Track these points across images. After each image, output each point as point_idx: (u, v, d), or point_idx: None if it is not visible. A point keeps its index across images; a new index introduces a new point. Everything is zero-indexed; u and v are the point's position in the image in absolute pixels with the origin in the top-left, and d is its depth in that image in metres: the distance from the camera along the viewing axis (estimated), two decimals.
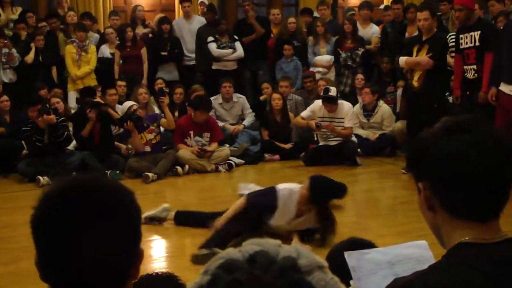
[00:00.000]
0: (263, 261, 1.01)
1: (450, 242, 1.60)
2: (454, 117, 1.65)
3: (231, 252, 1.06)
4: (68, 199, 1.42)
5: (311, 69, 10.88)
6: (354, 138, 9.10)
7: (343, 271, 2.49)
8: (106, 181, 1.50)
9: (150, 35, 11.18)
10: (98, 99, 8.76)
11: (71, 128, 8.71)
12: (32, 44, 10.08)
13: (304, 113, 9.05)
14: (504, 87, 7.05)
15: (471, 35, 7.49)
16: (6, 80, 9.91)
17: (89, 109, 8.53)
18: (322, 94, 8.90)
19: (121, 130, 9.00)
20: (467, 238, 1.56)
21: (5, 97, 9.19)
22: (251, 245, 1.06)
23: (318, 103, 9.00)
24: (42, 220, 1.42)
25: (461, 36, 7.65)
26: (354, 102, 9.73)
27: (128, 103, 8.89)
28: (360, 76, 10.24)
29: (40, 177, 8.05)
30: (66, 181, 1.49)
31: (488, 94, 7.22)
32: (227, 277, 1.00)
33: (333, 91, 8.82)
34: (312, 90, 10.33)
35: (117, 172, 8.34)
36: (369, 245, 2.84)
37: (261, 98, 10.21)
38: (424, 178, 1.62)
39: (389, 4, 11.97)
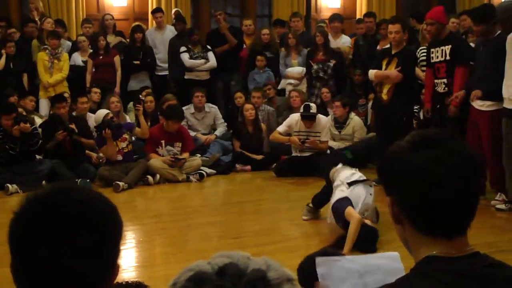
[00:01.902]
0: (232, 274, 1.00)
1: (418, 256, 1.61)
2: (422, 131, 1.65)
3: (200, 264, 1.04)
4: (48, 208, 1.41)
5: (283, 80, 10.93)
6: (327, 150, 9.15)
7: (313, 282, 2.50)
8: (89, 193, 1.48)
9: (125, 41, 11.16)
10: (73, 127, 8.67)
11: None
12: (3, 51, 9.98)
13: (280, 128, 9.06)
14: (473, 102, 7.13)
15: (442, 49, 7.57)
16: None
17: (61, 131, 8.49)
18: (302, 111, 8.87)
19: (91, 140, 8.96)
20: (434, 252, 1.57)
21: None
22: (221, 258, 1.05)
23: (294, 117, 9.02)
24: (19, 226, 1.42)
25: (432, 50, 7.72)
26: (323, 114, 9.76)
27: (103, 111, 8.86)
28: (325, 90, 10.27)
29: (9, 185, 7.98)
30: (48, 189, 1.48)
31: (457, 107, 7.32)
32: None
33: (313, 108, 8.87)
34: (272, 98, 10.41)
35: (87, 181, 8.28)
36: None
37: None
38: (392, 193, 1.63)
39: (362, 17, 12.05)
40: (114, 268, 1.46)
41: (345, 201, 5.76)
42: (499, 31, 6.94)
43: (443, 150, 1.56)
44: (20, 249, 1.41)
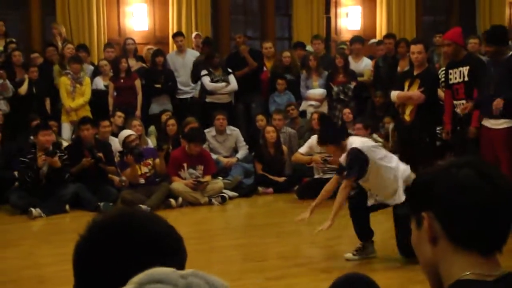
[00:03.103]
0: None
1: (449, 277, 1.58)
2: (458, 157, 1.68)
3: None
4: (115, 236, 1.43)
5: (304, 102, 10.95)
6: None
7: None
8: (157, 224, 1.50)
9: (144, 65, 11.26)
10: (101, 155, 8.73)
11: None
12: (26, 76, 10.08)
13: (302, 149, 9.07)
14: (485, 122, 7.12)
15: (460, 71, 7.54)
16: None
17: (88, 159, 8.57)
18: None
19: (114, 167, 8.98)
20: (467, 272, 1.55)
21: None
22: None
23: (315, 138, 8.98)
24: (83, 251, 1.45)
25: (450, 71, 7.69)
26: None
27: (126, 132, 8.92)
28: (347, 110, 10.27)
29: (33, 209, 7.99)
30: (117, 214, 1.51)
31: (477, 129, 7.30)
32: None
33: None
34: (295, 118, 10.45)
35: (110, 204, 8.30)
36: (366, 281, 2.83)
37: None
38: (431, 207, 1.61)
39: (382, 39, 12.07)
40: None
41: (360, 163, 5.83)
42: (511, 52, 7.02)
43: (483, 169, 1.60)
44: (83, 272, 1.44)
